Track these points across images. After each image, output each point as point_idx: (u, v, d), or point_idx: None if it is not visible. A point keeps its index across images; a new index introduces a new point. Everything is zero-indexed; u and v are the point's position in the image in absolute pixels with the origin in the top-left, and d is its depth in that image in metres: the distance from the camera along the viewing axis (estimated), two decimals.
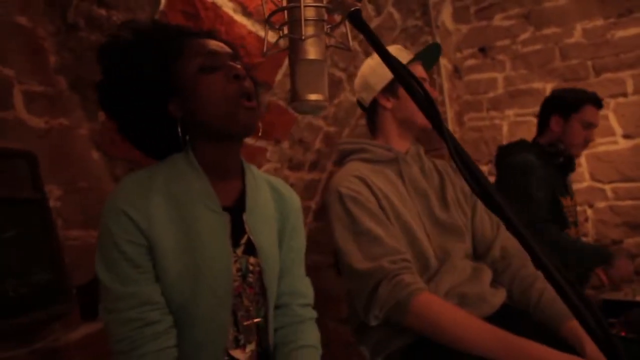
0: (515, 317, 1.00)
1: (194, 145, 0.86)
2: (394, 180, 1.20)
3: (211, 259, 0.80)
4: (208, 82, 0.81)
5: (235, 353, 0.85)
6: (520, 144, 1.93)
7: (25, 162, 1.16)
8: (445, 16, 2.52)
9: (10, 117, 1.21)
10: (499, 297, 1.13)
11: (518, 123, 2.62)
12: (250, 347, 0.88)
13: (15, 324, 1.01)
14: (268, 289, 0.89)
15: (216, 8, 1.38)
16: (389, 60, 0.51)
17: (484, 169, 2.55)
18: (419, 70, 1.25)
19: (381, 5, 1.76)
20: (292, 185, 2.01)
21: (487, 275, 1.17)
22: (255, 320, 0.88)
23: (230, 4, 1.38)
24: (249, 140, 1.74)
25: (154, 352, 0.74)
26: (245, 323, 0.86)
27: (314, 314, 0.99)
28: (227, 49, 0.86)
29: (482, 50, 2.67)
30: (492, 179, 2.14)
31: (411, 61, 1.23)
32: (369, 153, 1.22)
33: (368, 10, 1.74)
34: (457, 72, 2.64)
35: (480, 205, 1.28)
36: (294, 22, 0.58)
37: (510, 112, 2.64)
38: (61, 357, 1.12)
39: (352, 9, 0.55)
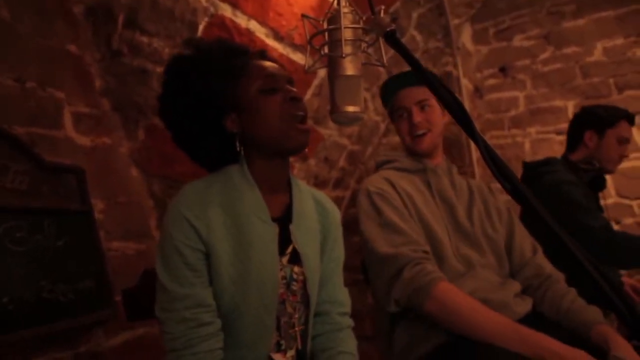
0: (539, 325, 1.00)
1: (248, 159, 0.90)
2: (421, 188, 1.26)
3: (260, 267, 0.84)
4: (267, 102, 0.85)
5: (277, 357, 0.89)
6: (552, 162, 1.88)
7: (75, 177, 1.25)
8: (466, 38, 2.59)
9: (61, 135, 1.31)
10: (523, 306, 1.14)
11: (540, 140, 2.63)
12: (291, 353, 0.91)
13: (64, 328, 1.07)
14: (310, 297, 0.92)
15: (250, 33, 1.47)
16: (424, 75, 0.56)
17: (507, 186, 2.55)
18: (417, 94, 1.28)
19: (404, 28, 1.83)
20: None
21: (514, 287, 1.19)
22: (296, 328, 0.91)
23: (263, 30, 1.48)
24: None
25: (206, 351, 0.78)
26: (290, 331, 0.90)
27: (351, 322, 1.02)
28: (284, 72, 0.92)
29: (502, 70, 2.72)
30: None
31: (401, 87, 1.29)
32: (399, 163, 1.31)
33: None
34: (477, 91, 2.69)
35: (519, 227, 1.32)
36: (334, 42, 0.64)
37: (532, 130, 2.66)
38: None
39: (388, 29, 0.61)
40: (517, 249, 1.28)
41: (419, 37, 1.97)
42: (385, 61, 0.67)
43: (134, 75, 1.56)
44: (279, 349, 0.89)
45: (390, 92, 1.32)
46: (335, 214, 1.03)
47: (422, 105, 1.26)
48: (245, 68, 0.88)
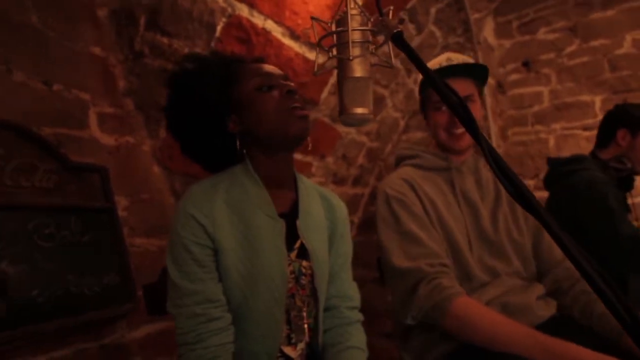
0: (563, 330, 0.97)
1: (252, 157, 0.94)
2: (444, 189, 1.20)
3: (268, 261, 0.87)
4: (264, 98, 0.89)
5: (287, 350, 0.91)
6: (581, 159, 1.81)
7: (99, 176, 1.29)
8: (488, 32, 2.53)
9: (86, 135, 1.36)
10: (546, 309, 1.11)
11: (566, 136, 2.55)
12: (301, 346, 0.93)
13: (89, 319, 1.12)
14: (319, 291, 0.94)
15: (266, 33, 1.48)
16: (428, 76, 0.56)
17: (530, 183, 2.50)
18: (464, 87, 1.21)
19: (422, 23, 1.81)
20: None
21: (537, 289, 1.15)
22: (305, 321, 0.93)
23: (279, 29, 1.49)
24: (296, 156, 1.83)
25: (216, 345, 0.80)
26: (299, 324, 0.92)
27: (360, 316, 1.03)
28: (279, 71, 0.95)
29: (526, 64, 2.65)
30: (537, 194, 2.09)
31: (456, 76, 1.20)
32: (421, 159, 1.24)
33: (409, 29, 1.80)
34: (500, 87, 2.63)
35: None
36: (342, 44, 0.65)
37: (556, 126, 2.58)
38: (126, 352, 1.23)
39: (395, 31, 0.61)
40: (546, 249, 1.22)
41: (438, 33, 1.95)
42: (393, 62, 0.67)
43: (155, 75, 1.60)
44: (289, 342, 0.91)
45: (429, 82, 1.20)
46: (342, 210, 1.05)
47: (467, 100, 1.16)
48: (241, 72, 0.92)
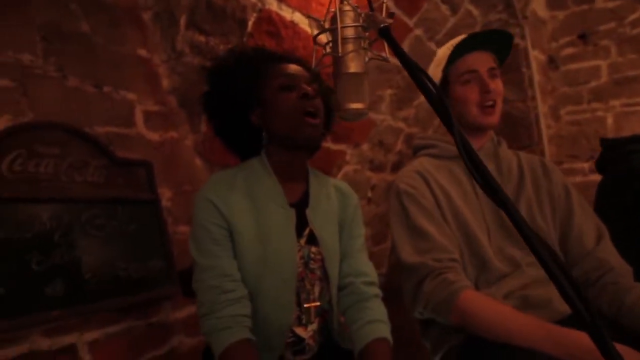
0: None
1: (268, 150, 1.02)
2: (461, 178, 1.17)
3: (278, 246, 0.94)
4: (283, 98, 0.95)
5: (298, 330, 0.97)
6: None
7: (144, 170, 1.41)
8: (537, 5, 2.36)
9: (133, 133, 1.48)
10: None
11: (626, 114, 2.33)
12: (312, 327, 0.99)
13: (137, 301, 1.25)
14: (330, 274, 0.99)
15: (294, 26, 1.52)
16: (411, 69, 0.57)
17: (584, 166, 2.33)
18: (484, 60, 1.15)
19: (457, 3, 1.74)
20: (374, 186, 2.08)
21: None
22: (314, 304, 0.98)
23: (307, 21, 1.51)
24: (329, 144, 1.86)
25: (229, 316, 0.87)
26: (305, 305, 0.97)
27: (379, 292, 1.05)
28: (304, 72, 1.00)
29: (582, 36, 2.44)
30: (592, 177, 1.95)
31: (469, 50, 1.14)
32: (437, 149, 1.21)
33: (442, 10, 1.73)
34: (552, 62, 2.46)
35: (579, 212, 1.15)
36: (334, 41, 0.67)
37: (616, 103, 2.36)
38: (170, 330, 1.35)
39: (382, 25, 0.62)
40: (575, 238, 1.13)
41: (475, 11, 1.85)
42: (388, 56, 0.68)
43: (195, 72, 1.69)
44: (300, 323, 0.97)
45: (456, 53, 1.14)
46: (353, 198, 1.11)
47: (492, 73, 1.13)
48: (268, 70, 0.98)
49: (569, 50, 2.51)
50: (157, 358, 1.29)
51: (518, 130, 2.04)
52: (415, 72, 0.56)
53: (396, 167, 2.17)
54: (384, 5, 0.67)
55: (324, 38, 0.71)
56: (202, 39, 1.68)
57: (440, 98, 0.55)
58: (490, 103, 1.13)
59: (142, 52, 1.61)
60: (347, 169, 1.84)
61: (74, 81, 1.34)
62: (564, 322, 0.96)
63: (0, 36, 1.17)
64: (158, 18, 1.67)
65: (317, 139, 0.98)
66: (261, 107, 0.99)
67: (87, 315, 1.13)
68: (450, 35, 1.95)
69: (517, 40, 2.07)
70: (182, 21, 1.67)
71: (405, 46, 1.77)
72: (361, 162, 1.88)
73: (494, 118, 1.15)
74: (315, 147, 1.01)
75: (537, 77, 2.06)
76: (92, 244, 1.18)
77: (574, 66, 2.51)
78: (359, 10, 0.67)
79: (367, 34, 0.68)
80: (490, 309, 0.95)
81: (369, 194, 2.01)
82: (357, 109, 0.68)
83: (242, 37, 1.60)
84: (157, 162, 1.48)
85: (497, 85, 1.14)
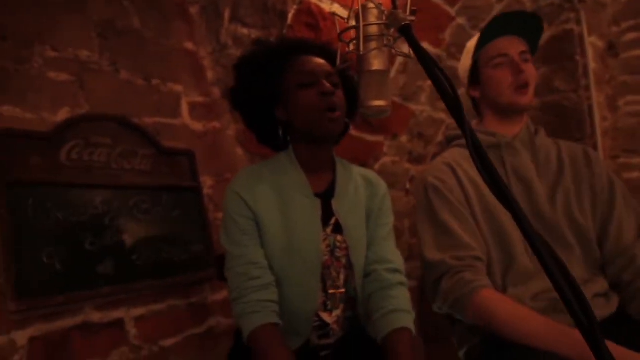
0: (619, 331, 0.85)
1: (293, 144, 1.05)
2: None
3: (303, 235, 0.97)
4: (303, 95, 0.98)
5: (324, 316, 1.01)
6: None
7: (187, 159, 1.49)
8: None
9: (179, 123, 1.56)
10: (602, 309, 0.99)
11: None
12: (337, 313, 1.02)
13: (178, 282, 1.33)
14: (355, 263, 1.01)
15: (333, 18, 1.52)
16: (430, 70, 0.57)
17: None
18: (515, 45, 1.13)
19: None
20: (413, 177, 2.06)
21: (597, 285, 1.03)
22: (339, 291, 1.01)
23: (346, 12, 1.51)
24: (366, 136, 1.86)
25: (256, 301, 0.92)
26: (330, 291, 1.00)
27: (404, 279, 1.05)
28: (324, 66, 1.00)
29: None
30: None
31: (500, 35, 1.12)
32: None
33: None
34: (611, 49, 2.28)
35: (621, 206, 1.10)
36: (357, 38, 0.68)
37: None
38: (208, 311, 1.43)
39: (403, 23, 0.62)
40: (612, 234, 1.07)
41: None
42: (411, 54, 0.68)
43: None
44: (325, 308, 1.00)
45: (487, 36, 1.14)
46: (381, 187, 1.12)
47: (524, 57, 1.12)
48: (288, 65, 1.00)
49: (632, 35, 2.31)
50: (196, 336, 1.38)
51: (568, 123, 1.93)
52: (434, 70, 0.57)
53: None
54: (409, 2, 0.67)
55: (349, 34, 0.72)
56: (244, 31, 1.72)
57: (456, 99, 0.54)
58: (524, 83, 1.11)
59: (189, 45, 1.68)
60: (385, 160, 1.83)
61: (125, 75, 1.43)
62: None
63: (62, 34, 1.27)
64: (204, 12, 1.73)
65: (338, 132, 1.00)
66: (284, 102, 1.02)
67: (133, 293, 1.23)
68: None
69: (571, 25, 1.95)
70: (227, 14, 1.72)
71: (447, 36, 1.72)
72: (399, 153, 1.87)
73: (528, 98, 1.12)
74: (338, 139, 1.03)
75: (592, 65, 1.94)
76: (139, 228, 1.27)
77: (636, 53, 2.31)
78: (382, 8, 0.67)
79: (390, 31, 0.68)
80: (506, 310, 0.94)
81: (408, 186, 1.99)
82: (379, 106, 0.68)
83: (282, 30, 1.62)
84: (199, 151, 1.56)
85: (529, 68, 1.12)
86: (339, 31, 0.72)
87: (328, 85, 0.97)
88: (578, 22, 1.92)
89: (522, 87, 1.11)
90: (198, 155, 1.54)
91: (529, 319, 0.91)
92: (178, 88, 1.61)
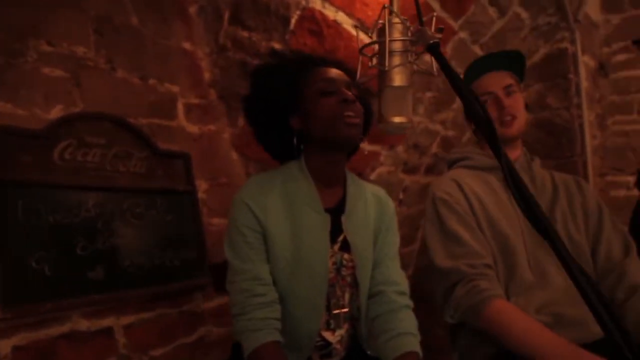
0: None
1: (306, 155, 1.02)
2: (496, 188, 1.19)
3: (311, 251, 0.95)
4: (324, 103, 0.96)
5: (327, 335, 0.99)
6: None
7: (182, 161, 1.45)
8: (591, 7, 2.25)
9: (174, 125, 1.52)
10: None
11: None
12: (340, 332, 1.00)
13: (170, 289, 1.29)
14: (360, 282, 1.00)
15: (337, 25, 1.51)
16: (461, 91, 0.56)
17: (629, 179, 2.22)
18: (500, 79, 1.22)
19: (505, 6, 1.68)
20: (406, 187, 2.06)
21: None
22: (343, 310, 0.99)
23: (350, 21, 1.50)
24: (364, 145, 1.85)
25: (259, 319, 0.90)
26: (334, 312, 0.98)
27: (409, 302, 1.05)
28: (344, 77, 1.00)
29: (637, 42, 2.32)
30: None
31: (484, 71, 1.23)
32: (472, 160, 1.26)
33: (489, 13, 1.68)
34: (602, 69, 2.34)
35: (609, 228, 1.18)
36: (381, 54, 0.67)
37: None
38: (200, 319, 1.39)
39: (431, 41, 0.61)
40: (602, 253, 1.14)
41: (524, 14, 1.78)
42: (435, 71, 0.67)
43: (236, 67, 1.71)
44: (328, 327, 0.98)
45: (472, 75, 1.26)
46: (390, 206, 1.11)
47: (508, 91, 1.20)
48: (308, 74, 0.99)
49: (621, 57, 2.38)
50: (187, 345, 1.34)
51: (559, 140, 1.96)
52: (464, 92, 0.56)
53: (430, 170, 2.14)
54: (433, 19, 0.66)
55: (370, 49, 0.71)
56: (244, 34, 1.69)
57: (489, 121, 0.54)
58: (508, 118, 1.20)
59: (187, 45, 1.64)
60: (381, 170, 1.83)
61: (121, 73, 1.38)
62: (596, 343, 0.95)
63: (57, 28, 1.22)
64: (203, 12, 1.69)
65: (356, 138, 0.98)
66: (301, 111, 1.00)
67: (124, 301, 1.19)
68: (495, 39, 1.89)
69: (565, 44, 1.99)
70: (226, 16, 1.69)
71: (449, 49, 1.73)
72: (395, 163, 1.87)
73: (514, 129, 1.21)
74: (355, 147, 1.01)
75: (584, 84, 1.98)
76: (132, 232, 1.23)
77: (625, 74, 2.38)
78: (407, 24, 0.66)
79: (414, 47, 0.67)
80: (517, 322, 0.96)
81: (401, 196, 1.99)
82: (399, 123, 0.67)
83: (284, 35, 1.60)
84: (194, 154, 1.52)
85: (513, 101, 1.20)
86: (359, 45, 0.71)
87: (349, 93, 0.96)
88: (572, 41, 1.96)
89: (507, 121, 1.20)
90: (193, 158, 1.50)
91: (542, 335, 0.93)
92: (174, 89, 1.57)
